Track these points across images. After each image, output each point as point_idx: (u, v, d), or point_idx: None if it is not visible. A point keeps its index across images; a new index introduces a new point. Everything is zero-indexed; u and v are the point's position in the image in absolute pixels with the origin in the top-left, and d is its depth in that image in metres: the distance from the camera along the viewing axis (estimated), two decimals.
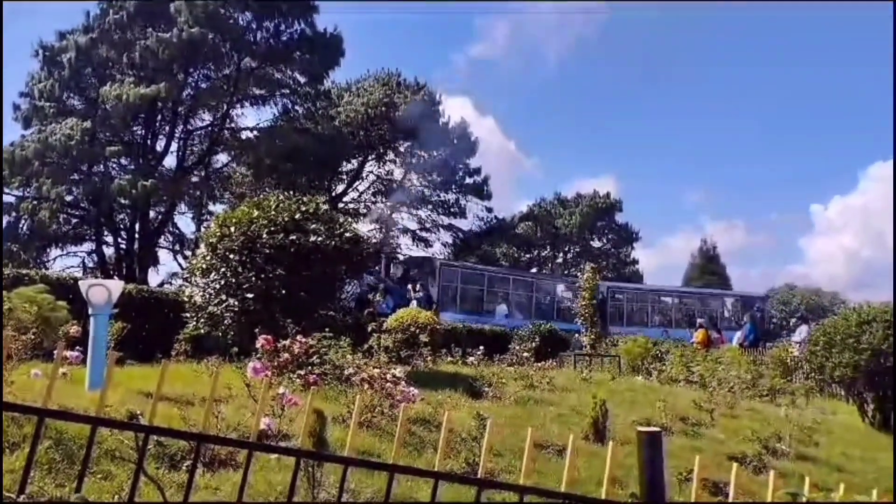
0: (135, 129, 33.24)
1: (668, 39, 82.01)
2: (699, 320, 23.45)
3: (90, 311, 5.86)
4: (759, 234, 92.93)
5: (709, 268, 57.62)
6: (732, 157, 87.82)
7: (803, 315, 26.67)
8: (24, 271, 10.23)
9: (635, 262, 52.21)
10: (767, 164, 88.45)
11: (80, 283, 6.20)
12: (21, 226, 31.14)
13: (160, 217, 34.51)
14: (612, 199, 51.34)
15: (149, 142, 33.74)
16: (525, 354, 11.62)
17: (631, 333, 21.38)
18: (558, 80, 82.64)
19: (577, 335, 17.60)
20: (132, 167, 32.11)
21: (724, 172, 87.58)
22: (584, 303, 17.36)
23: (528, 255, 51.20)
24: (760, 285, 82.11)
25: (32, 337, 5.63)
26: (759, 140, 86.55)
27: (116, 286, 5.98)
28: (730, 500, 2.43)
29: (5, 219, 32.26)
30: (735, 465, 2.43)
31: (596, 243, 51.75)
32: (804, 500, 2.40)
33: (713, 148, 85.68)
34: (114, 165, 32.59)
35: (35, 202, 29.94)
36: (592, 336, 16.38)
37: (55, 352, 4.18)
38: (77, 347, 5.81)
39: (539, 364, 10.77)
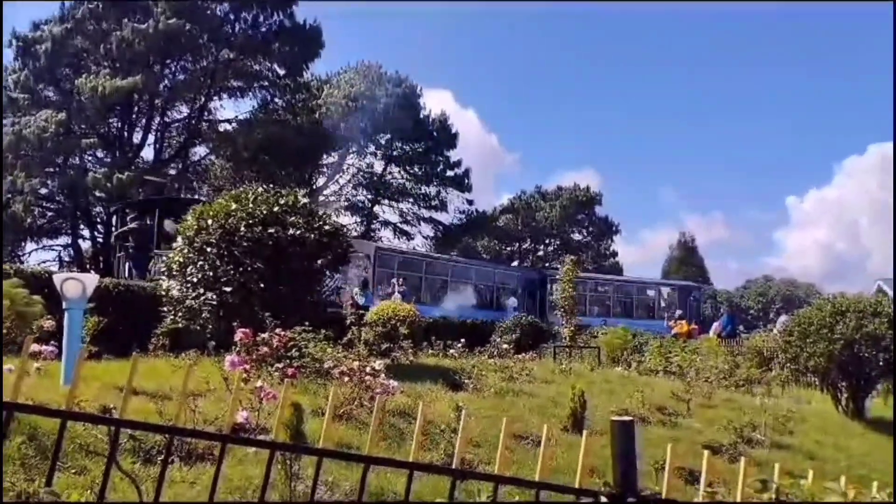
0: (111, 121, 32.79)
1: (648, 35, 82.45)
2: (678, 311, 23.64)
3: (64, 306, 5.79)
4: (737, 228, 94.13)
5: (687, 260, 58.19)
6: (711, 151, 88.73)
7: (784, 307, 27.10)
8: None
9: (615, 254, 52.65)
10: (745, 158, 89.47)
11: (54, 276, 6.12)
12: None
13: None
14: (593, 192, 51.65)
15: (125, 134, 33.29)
16: (505, 346, 11.66)
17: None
18: (540, 72, 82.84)
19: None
20: (108, 160, 31.68)
21: (702, 166, 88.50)
22: (563, 294, 17.43)
23: (508, 248, 51.34)
24: (738, 277, 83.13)
25: (6, 331, 5.54)
26: (737, 134, 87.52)
27: (91, 280, 5.91)
28: (701, 489, 2.46)
29: None
30: (707, 453, 2.46)
31: (576, 236, 52.02)
32: (774, 487, 2.44)
33: (692, 142, 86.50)
34: (89, 158, 32.14)
35: (9, 195, 29.43)
36: (572, 328, 16.47)
37: (32, 346, 4.12)
38: (52, 342, 5.73)
39: (519, 356, 10.81)
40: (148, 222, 18.63)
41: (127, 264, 18.33)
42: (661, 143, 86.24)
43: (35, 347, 4.86)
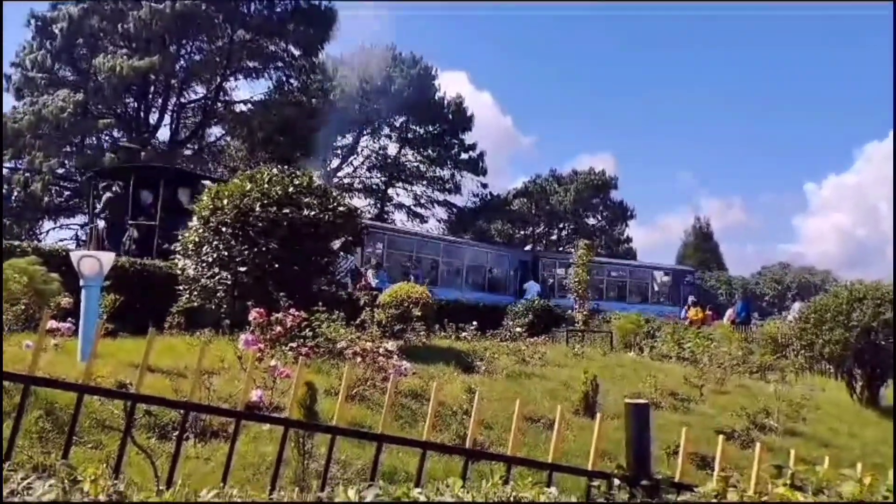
0: (127, 101, 32.90)
1: (665, 18, 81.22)
2: (691, 298, 23.37)
3: (81, 283, 5.84)
4: (754, 213, 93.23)
5: (703, 246, 57.79)
6: (729, 135, 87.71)
7: (799, 293, 26.81)
8: (17, 243, 10.16)
9: (629, 239, 52.29)
10: (763, 143, 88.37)
11: (71, 254, 6.17)
12: (13, 198, 30.90)
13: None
14: (608, 176, 51.22)
15: (142, 114, 33.41)
16: (518, 330, 11.66)
17: (561, 305, 21.31)
18: (556, 55, 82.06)
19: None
20: (125, 140, 31.82)
21: (720, 151, 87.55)
22: (577, 279, 17.39)
23: (522, 232, 51.18)
24: (755, 263, 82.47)
25: (24, 308, 5.61)
26: (756, 118, 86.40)
27: (108, 258, 5.95)
28: (715, 473, 2.45)
29: None
30: (721, 438, 2.45)
31: (591, 220, 51.70)
32: (790, 473, 2.43)
33: (710, 126, 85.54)
34: (106, 138, 32.29)
35: (27, 174, 29.69)
36: (585, 312, 16.44)
37: (51, 322, 4.16)
38: (69, 319, 5.79)
39: (532, 339, 10.81)
40: (121, 191, 17.24)
41: (100, 235, 16.91)
42: (678, 127, 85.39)
43: (52, 324, 4.92)
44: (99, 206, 17.42)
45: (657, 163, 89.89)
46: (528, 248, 43.68)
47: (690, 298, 22.67)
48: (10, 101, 31.32)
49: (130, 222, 16.07)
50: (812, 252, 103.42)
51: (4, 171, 31.34)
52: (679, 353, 11.48)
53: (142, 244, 15.32)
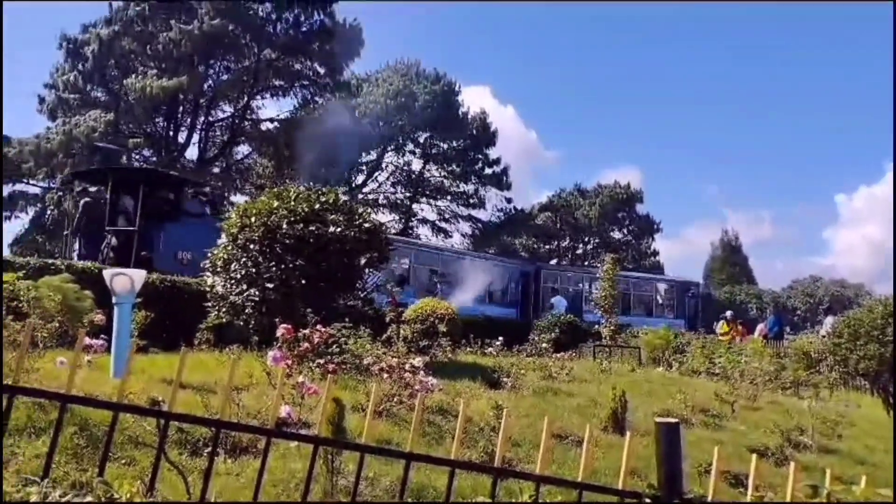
0: (157, 120, 33.58)
1: (691, 31, 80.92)
2: (729, 312, 22.86)
3: (114, 300, 5.94)
4: (784, 226, 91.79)
5: (731, 259, 57.02)
6: (757, 147, 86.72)
7: (831, 307, 26.19)
8: (50, 261, 10.39)
9: (656, 253, 51.86)
10: (792, 155, 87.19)
11: (104, 272, 6.29)
12: (47, 216, 31.64)
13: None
14: (633, 189, 50.94)
15: (171, 133, 34.07)
16: (544, 345, 11.59)
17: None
18: (580, 69, 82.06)
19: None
20: (154, 159, 32.46)
21: (748, 163, 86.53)
22: (603, 293, 17.26)
23: (547, 246, 51.01)
24: (785, 277, 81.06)
25: (58, 325, 5.72)
26: (785, 130, 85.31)
27: (139, 275, 6.06)
28: (749, 493, 2.41)
29: (32, 210, 32.84)
30: (755, 456, 2.41)
31: (616, 234, 51.41)
32: (825, 492, 2.38)
33: (738, 139, 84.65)
34: (137, 157, 32.97)
35: (60, 193, 30.37)
36: (612, 326, 16.30)
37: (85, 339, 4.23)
38: (102, 336, 5.89)
39: (558, 355, 10.74)
40: (99, 195, 16.23)
41: (77, 243, 15.85)
42: (705, 139, 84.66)
43: (86, 341, 5.00)
44: (77, 212, 16.52)
45: (684, 176, 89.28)
46: (539, 259, 42.88)
47: (729, 313, 22.19)
48: (43, 121, 32.17)
49: (108, 228, 15.28)
50: (843, 265, 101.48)
51: (37, 190, 32.13)
52: (709, 369, 11.30)
53: (120, 252, 14.67)
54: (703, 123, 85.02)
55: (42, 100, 32.36)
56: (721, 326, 20.03)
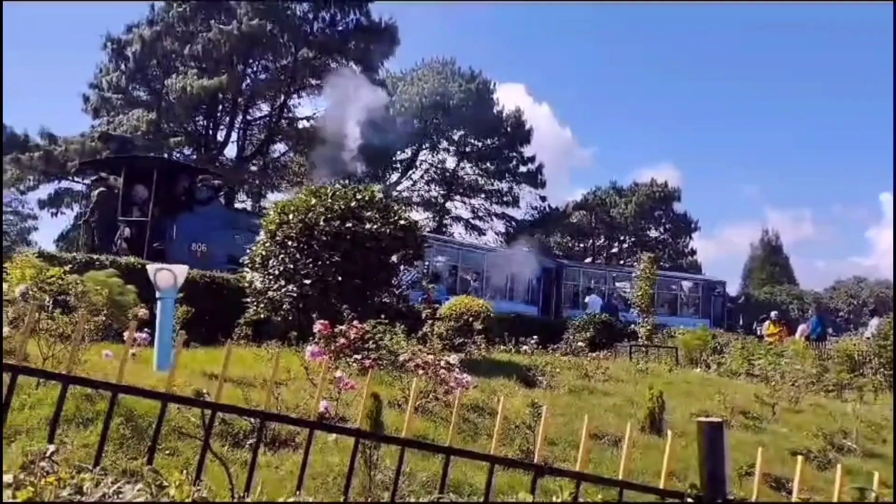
0: (197, 119, 34.21)
1: (729, 26, 79.38)
2: (773, 312, 22.33)
3: (157, 295, 6.09)
4: (826, 225, 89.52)
5: (771, 258, 55.81)
6: (799, 145, 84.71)
7: (876, 308, 25.43)
8: (95, 257, 10.66)
9: (693, 252, 51.01)
10: (835, 152, 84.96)
11: (147, 267, 6.44)
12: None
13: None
14: (670, 187, 50.17)
15: (210, 132, 34.69)
16: (580, 344, 11.51)
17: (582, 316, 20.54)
18: (616, 66, 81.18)
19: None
20: (195, 157, 33.09)
21: (789, 162, 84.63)
22: (640, 293, 17.06)
23: (582, 245, 50.60)
24: (827, 277, 79.04)
25: (103, 319, 5.88)
26: (827, 127, 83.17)
27: (182, 270, 6.19)
28: (794, 496, 2.36)
29: (76, 208, 33.74)
30: (800, 459, 2.36)
31: (652, 233, 50.70)
32: (873, 496, 2.32)
33: (778, 136, 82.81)
34: (178, 155, 33.65)
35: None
36: (648, 326, 16.10)
37: (125, 333, 4.34)
38: (145, 330, 6.04)
39: (594, 354, 10.66)
40: (112, 185, 15.60)
41: (91, 235, 15.23)
42: (744, 136, 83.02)
43: (127, 334, 5.13)
44: (90, 202, 15.82)
45: (722, 174, 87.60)
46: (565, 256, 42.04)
47: (773, 313, 21.70)
48: (87, 120, 33.03)
49: (121, 219, 14.84)
50: (886, 265, 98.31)
51: (82, 187, 32.97)
52: (749, 371, 11.10)
53: (134, 243, 14.25)
54: (742, 121, 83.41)
55: (87, 99, 33.24)
56: (767, 327, 19.58)
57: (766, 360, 10.83)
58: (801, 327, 20.69)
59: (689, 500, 2.05)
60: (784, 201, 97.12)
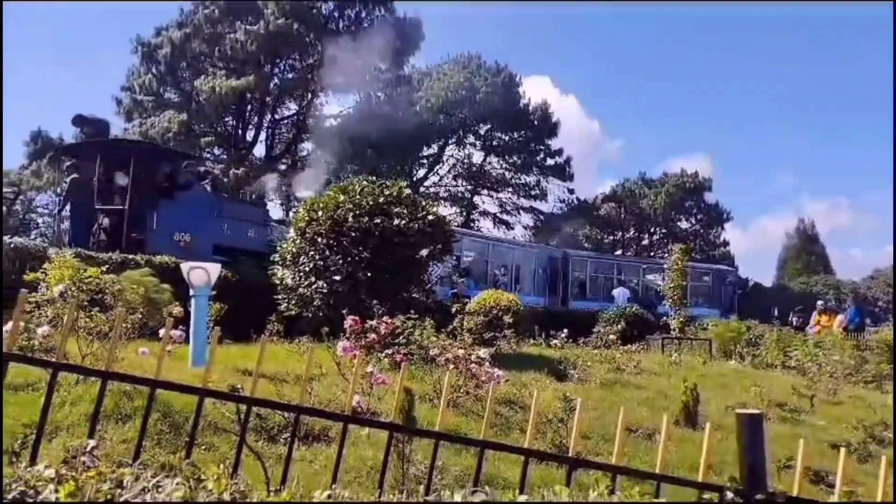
0: (226, 119, 34.66)
1: (761, 13, 77.75)
2: (819, 303, 21.76)
3: (191, 293, 6.18)
4: (864, 214, 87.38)
5: (807, 248, 54.64)
6: (833, 133, 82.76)
7: None
8: (131, 256, 10.87)
9: (726, 243, 50.20)
10: (871, 139, 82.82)
11: (181, 265, 6.54)
12: None
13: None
14: (701, 177, 49.39)
15: (239, 132, 35.12)
16: (612, 337, 11.42)
17: (592, 307, 20.26)
18: (643, 55, 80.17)
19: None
20: (225, 157, 33.54)
21: (825, 150, 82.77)
22: (671, 284, 16.85)
23: (611, 237, 50.14)
24: (864, 267, 77.18)
25: (140, 317, 5.99)
26: (864, 113, 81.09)
27: (215, 269, 6.28)
28: (836, 490, 2.30)
29: None
30: (843, 451, 2.30)
31: (683, 224, 49.99)
32: None
33: (813, 123, 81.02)
34: (208, 155, 34.14)
35: None
36: (681, 318, 15.90)
37: (161, 330, 4.41)
38: (180, 327, 6.13)
39: (625, 347, 10.56)
40: (87, 172, 14.40)
41: (66, 226, 14.09)
42: (777, 124, 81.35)
43: (164, 331, 5.22)
44: (64, 190, 14.73)
45: (756, 163, 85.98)
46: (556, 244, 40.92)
47: (819, 303, 21.19)
48: (120, 123, 33.63)
49: (98, 207, 13.92)
50: None
51: None
52: (784, 362, 10.90)
53: (111, 233, 13.60)
54: (774, 108, 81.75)
55: (119, 102, 33.87)
56: (815, 317, 19.13)
57: (802, 351, 10.62)
58: (838, 318, 20.22)
59: (729, 493, 2.01)
60: (820, 190, 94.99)
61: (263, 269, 10.61)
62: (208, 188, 15.59)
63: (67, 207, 14.04)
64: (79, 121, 15.19)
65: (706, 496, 2.11)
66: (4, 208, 30.75)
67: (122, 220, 13.51)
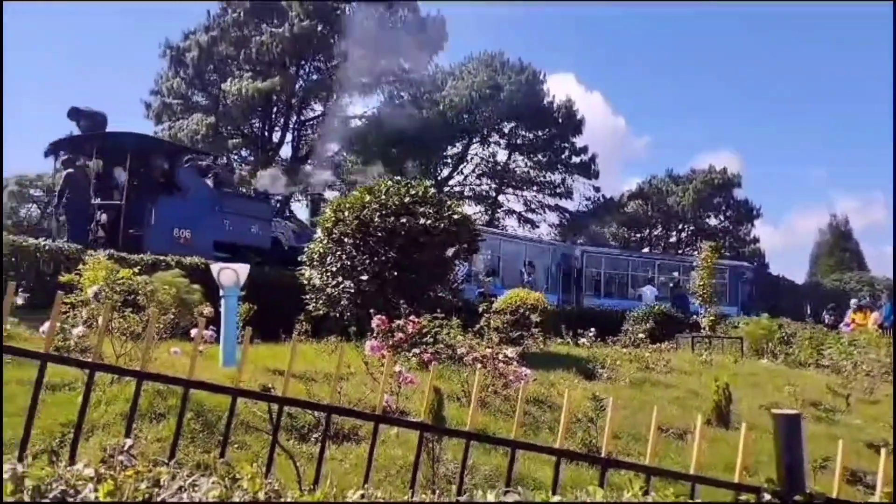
0: (253, 121, 35.05)
1: (791, 10, 76.36)
2: (853, 301, 21.29)
3: (221, 293, 6.26)
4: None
5: (840, 244, 53.55)
6: (867, 126, 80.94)
7: None
8: (161, 257, 11.03)
9: (756, 240, 49.41)
10: None
11: (211, 266, 6.62)
12: None
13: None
14: (730, 173, 48.64)
15: (266, 133, 35.49)
16: (641, 336, 11.31)
17: (607, 305, 19.90)
18: (668, 52, 79.22)
19: None
20: (252, 158, 33.92)
21: (857, 145, 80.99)
22: (701, 282, 16.64)
23: (638, 235, 49.65)
24: None
25: (172, 317, 6.08)
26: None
27: (244, 269, 6.34)
28: (878, 491, 2.25)
29: None
30: (884, 451, 2.25)
31: (712, 221, 49.31)
32: None
33: (845, 116, 79.32)
34: (236, 157, 34.56)
35: None
36: (711, 317, 15.69)
37: (192, 330, 4.46)
38: (210, 327, 6.20)
39: (655, 346, 10.45)
40: (83, 166, 14.05)
41: (62, 223, 13.77)
42: (808, 117, 79.76)
43: (196, 332, 5.29)
44: (56, 186, 14.25)
45: (786, 158, 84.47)
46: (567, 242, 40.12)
47: (853, 301, 20.78)
48: (150, 126, 34.20)
49: (95, 202, 13.63)
50: None
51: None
52: (818, 361, 10.70)
53: (109, 230, 13.25)
54: (805, 103, 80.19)
55: (148, 106, 34.44)
56: (850, 315, 18.78)
57: (836, 349, 10.41)
58: (873, 315, 19.80)
59: (767, 495, 1.98)
60: (853, 185, 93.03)
61: (260, 265, 10.51)
62: (210, 183, 15.09)
63: (63, 203, 13.62)
64: (74, 114, 14.51)
65: (742, 497, 2.08)
66: (39, 211, 31.42)
67: (119, 216, 13.18)
